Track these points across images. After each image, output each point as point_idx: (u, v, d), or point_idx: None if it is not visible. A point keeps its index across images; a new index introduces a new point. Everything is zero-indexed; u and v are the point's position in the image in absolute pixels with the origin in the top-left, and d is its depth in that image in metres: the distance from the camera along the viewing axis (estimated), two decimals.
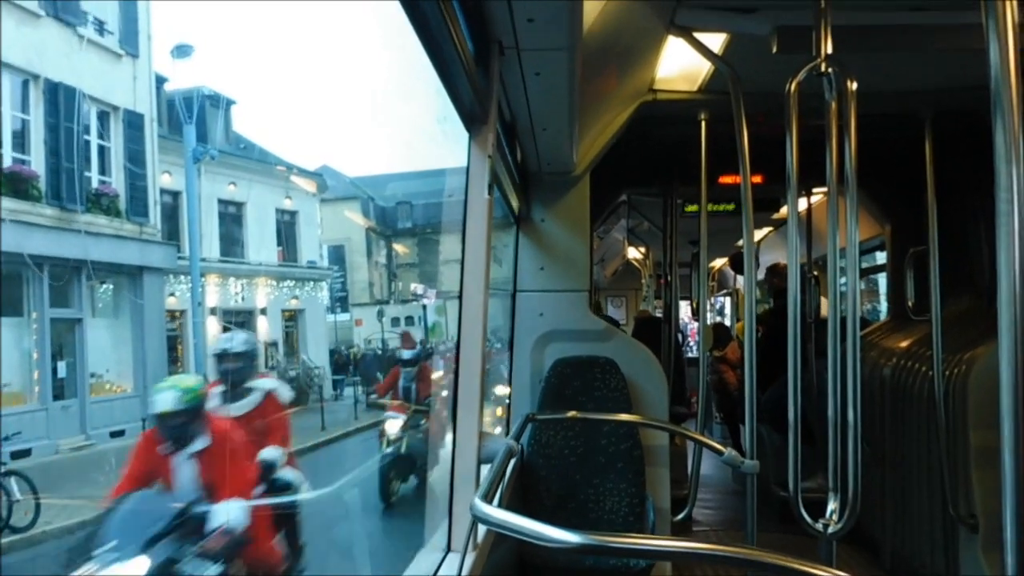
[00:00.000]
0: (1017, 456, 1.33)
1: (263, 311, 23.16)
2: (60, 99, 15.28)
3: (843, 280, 3.20)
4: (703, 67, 3.64)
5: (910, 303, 4.76)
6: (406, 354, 11.17)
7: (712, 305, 14.62)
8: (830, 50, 2.63)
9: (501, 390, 5.52)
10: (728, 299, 13.89)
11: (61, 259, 14.98)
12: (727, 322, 13.22)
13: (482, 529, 2.19)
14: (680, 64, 3.61)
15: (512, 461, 3.37)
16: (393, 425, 10.00)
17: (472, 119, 2.21)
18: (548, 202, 4.09)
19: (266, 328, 23.30)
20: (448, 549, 2.23)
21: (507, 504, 2.95)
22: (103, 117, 17.06)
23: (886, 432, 4.61)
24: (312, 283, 25.98)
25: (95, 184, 16.69)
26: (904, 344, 4.66)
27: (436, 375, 11.35)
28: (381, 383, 12.12)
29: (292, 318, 25.15)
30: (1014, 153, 1.34)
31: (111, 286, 17.45)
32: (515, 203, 3.91)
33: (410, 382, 10.69)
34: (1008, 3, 1.37)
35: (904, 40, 2.92)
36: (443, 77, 1.95)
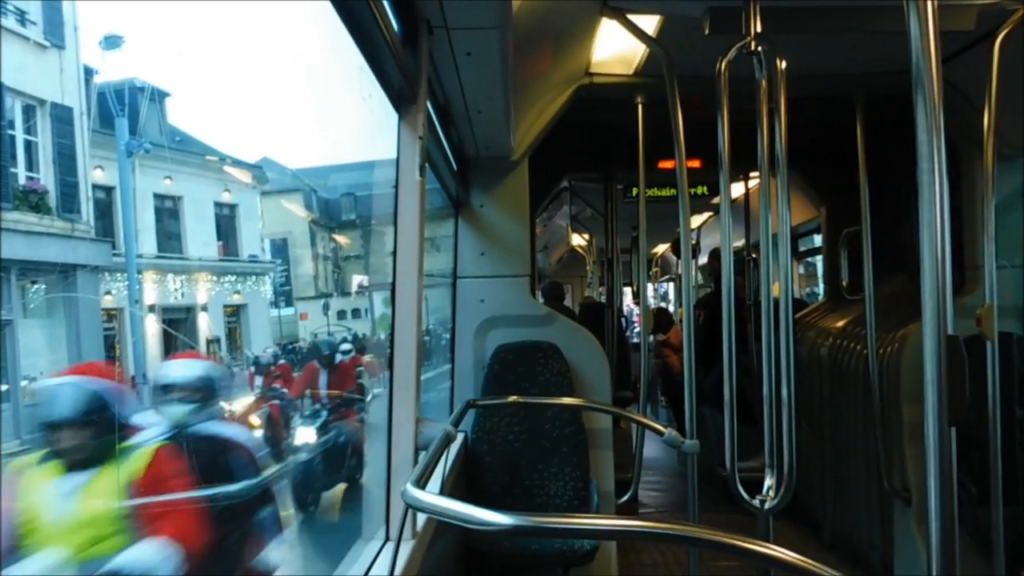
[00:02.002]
0: (940, 427, 1.34)
1: (204, 307, 22.64)
2: None
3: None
4: (639, 50, 3.64)
5: (844, 283, 4.86)
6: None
7: (656, 290, 14.79)
8: (759, 29, 2.64)
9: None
10: (672, 284, 14.05)
11: None
12: (671, 307, 13.38)
13: (422, 518, 2.16)
14: (616, 47, 3.61)
15: (454, 448, 3.35)
16: None
17: (401, 100, 2.16)
18: (487, 187, 4.05)
19: (207, 324, 22.78)
20: (386, 539, 2.19)
21: (450, 492, 2.92)
22: (28, 111, 16.42)
23: (824, 411, 4.71)
24: (254, 277, 25.47)
25: (22, 180, 16.06)
26: (840, 324, 4.75)
27: None
28: None
29: (234, 313, 24.61)
30: (934, 123, 1.36)
31: (43, 286, 16.86)
32: (453, 189, 3.87)
33: None
34: None
35: (832, 21, 2.96)
36: (368, 57, 1.90)
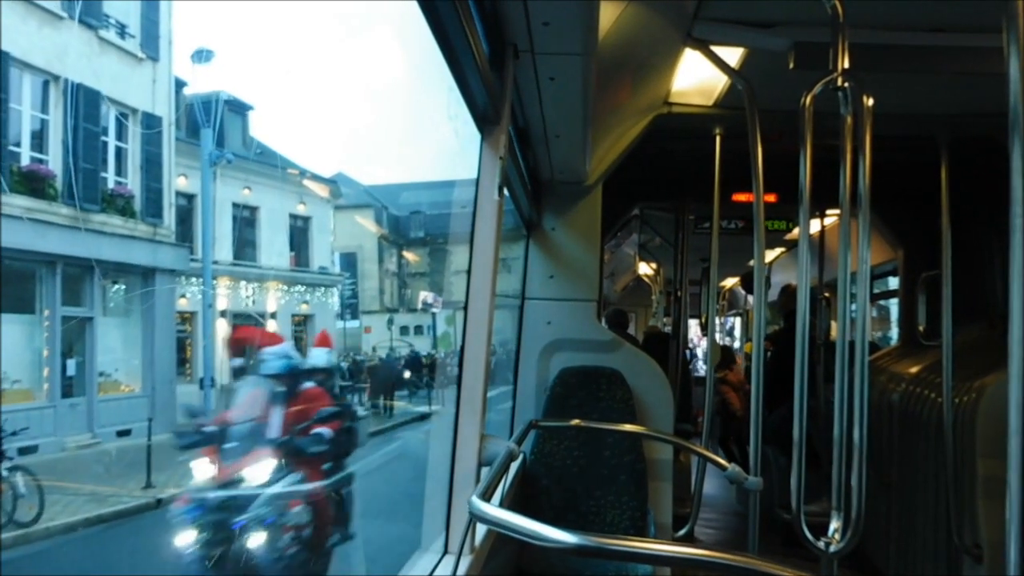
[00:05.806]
0: (1022, 482, 1.30)
1: (273, 315, 23.22)
2: (80, 100, 15.42)
3: (854, 305, 3.16)
4: (719, 81, 3.63)
5: (921, 328, 4.72)
6: None
7: (723, 325, 14.57)
8: (847, 66, 2.61)
9: None
10: (738, 319, 13.84)
11: (74, 258, 15.07)
12: (737, 343, 13.17)
13: (480, 533, 2.17)
14: (696, 78, 3.60)
15: (514, 466, 3.35)
16: None
17: (484, 120, 2.21)
18: (559, 211, 4.08)
19: (276, 332, 23.34)
20: (445, 551, 2.21)
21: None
22: (121, 119, 17.21)
23: (893, 458, 4.57)
24: (323, 289, 26.04)
25: (111, 185, 16.80)
26: (914, 370, 4.61)
27: None
28: None
29: (301, 323, 25.20)
30: None
31: (123, 286, 17.52)
32: (526, 210, 3.91)
33: None
34: None
35: (922, 61, 2.90)
36: (457, 78, 1.95)
